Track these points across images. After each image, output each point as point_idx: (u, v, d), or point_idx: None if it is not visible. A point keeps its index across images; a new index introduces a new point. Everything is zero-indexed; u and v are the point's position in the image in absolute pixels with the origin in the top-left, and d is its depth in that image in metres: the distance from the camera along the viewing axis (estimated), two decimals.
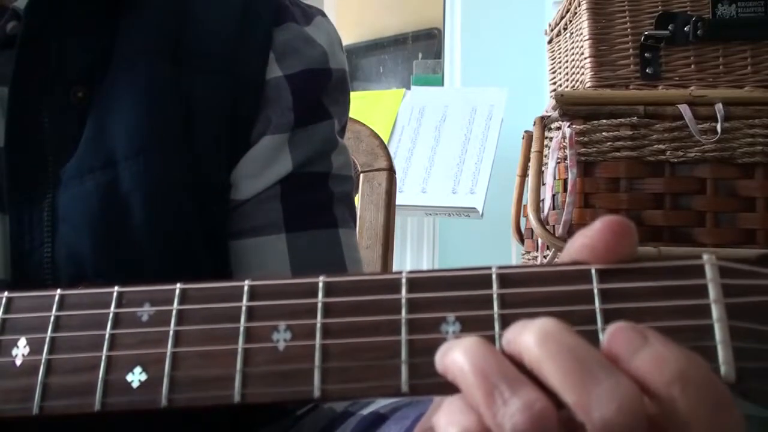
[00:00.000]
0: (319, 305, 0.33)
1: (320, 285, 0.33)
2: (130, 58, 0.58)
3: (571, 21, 1.36)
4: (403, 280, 0.33)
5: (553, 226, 1.22)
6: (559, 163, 1.21)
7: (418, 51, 2.51)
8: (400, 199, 1.09)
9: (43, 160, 0.54)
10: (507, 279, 0.32)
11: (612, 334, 0.29)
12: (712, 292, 0.30)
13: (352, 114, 0.72)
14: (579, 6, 1.27)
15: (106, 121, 0.55)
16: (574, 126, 1.17)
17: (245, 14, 0.61)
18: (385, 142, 1.05)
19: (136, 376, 0.33)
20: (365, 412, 0.53)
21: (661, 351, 0.28)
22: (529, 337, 0.29)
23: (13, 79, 0.54)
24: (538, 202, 1.21)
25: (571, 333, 0.29)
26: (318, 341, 0.32)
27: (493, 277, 0.32)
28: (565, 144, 1.18)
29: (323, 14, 0.67)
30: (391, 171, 0.99)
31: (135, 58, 0.58)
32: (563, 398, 0.27)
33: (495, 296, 0.32)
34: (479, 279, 0.32)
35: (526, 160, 1.38)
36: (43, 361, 0.34)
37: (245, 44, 0.60)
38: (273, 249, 0.60)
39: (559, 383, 0.28)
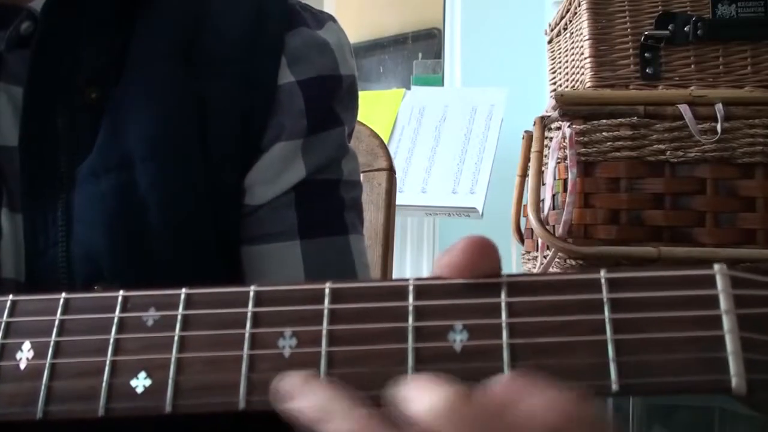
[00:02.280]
0: (326, 312, 0.33)
1: (326, 291, 0.33)
2: (144, 59, 0.58)
3: (571, 21, 1.36)
4: (410, 288, 0.32)
5: (553, 226, 1.22)
6: (559, 163, 1.20)
7: (418, 51, 2.51)
8: (400, 199, 1.09)
9: (56, 161, 0.54)
10: (516, 287, 0.32)
11: (495, 384, 0.29)
12: (724, 302, 0.30)
13: None
14: (579, 6, 1.27)
15: (120, 123, 0.56)
16: (574, 126, 1.16)
17: (258, 18, 0.61)
18: (385, 142, 1.05)
19: (140, 382, 0.33)
20: None
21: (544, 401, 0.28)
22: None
23: (28, 79, 0.54)
24: (538, 202, 1.21)
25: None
26: (324, 348, 0.32)
27: (502, 285, 0.32)
28: (565, 144, 1.18)
29: (334, 19, 0.68)
30: (391, 171, 0.99)
31: (149, 59, 0.58)
32: None
33: (503, 304, 0.32)
34: (488, 287, 0.32)
35: (526, 160, 1.38)
36: (47, 365, 0.34)
37: (258, 48, 0.61)
38: (288, 256, 0.60)
39: None
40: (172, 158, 0.56)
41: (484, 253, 0.32)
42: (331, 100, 0.64)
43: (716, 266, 0.31)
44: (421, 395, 0.29)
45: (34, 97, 0.55)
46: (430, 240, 2.06)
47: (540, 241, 1.27)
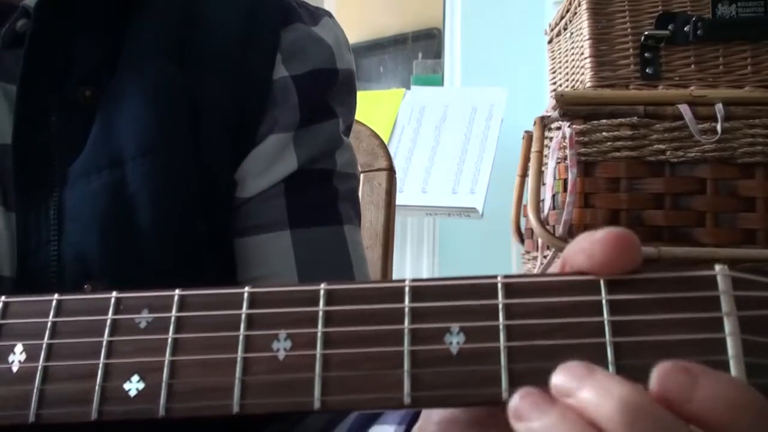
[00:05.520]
0: (321, 314, 0.32)
1: (321, 293, 0.32)
2: (138, 57, 0.58)
3: (571, 21, 1.35)
4: (407, 289, 0.32)
5: (553, 226, 1.22)
6: (559, 163, 1.20)
7: (418, 51, 2.50)
8: (400, 199, 1.08)
9: (50, 159, 0.54)
10: (513, 288, 0.31)
11: (661, 377, 0.27)
12: (725, 304, 0.29)
13: None
14: (579, 6, 1.27)
15: (113, 121, 0.55)
16: (574, 126, 1.16)
17: (253, 15, 0.61)
18: (385, 142, 1.04)
19: (133, 385, 0.32)
20: None
21: (717, 389, 0.27)
22: (610, 407, 0.27)
23: (21, 76, 0.54)
24: (538, 202, 1.21)
25: (656, 406, 0.27)
26: (319, 351, 0.31)
27: (499, 286, 0.31)
28: (565, 144, 1.17)
29: (330, 15, 0.67)
30: (391, 171, 0.99)
31: (143, 57, 0.58)
32: None
33: (501, 306, 0.31)
34: (484, 288, 0.31)
35: (526, 160, 1.38)
36: (39, 368, 0.33)
37: (253, 45, 0.60)
38: (277, 245, 0.59)
39: None
40: (163, 156, 0.55)
41: (626, 248, 0.30)
42: (325, 94, 0.63)
43: (717, 267, 0.30)
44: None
45: (28, 94, 0.54)
46: (430, 240, 2.05)
47: (540, 241, 1.27)
